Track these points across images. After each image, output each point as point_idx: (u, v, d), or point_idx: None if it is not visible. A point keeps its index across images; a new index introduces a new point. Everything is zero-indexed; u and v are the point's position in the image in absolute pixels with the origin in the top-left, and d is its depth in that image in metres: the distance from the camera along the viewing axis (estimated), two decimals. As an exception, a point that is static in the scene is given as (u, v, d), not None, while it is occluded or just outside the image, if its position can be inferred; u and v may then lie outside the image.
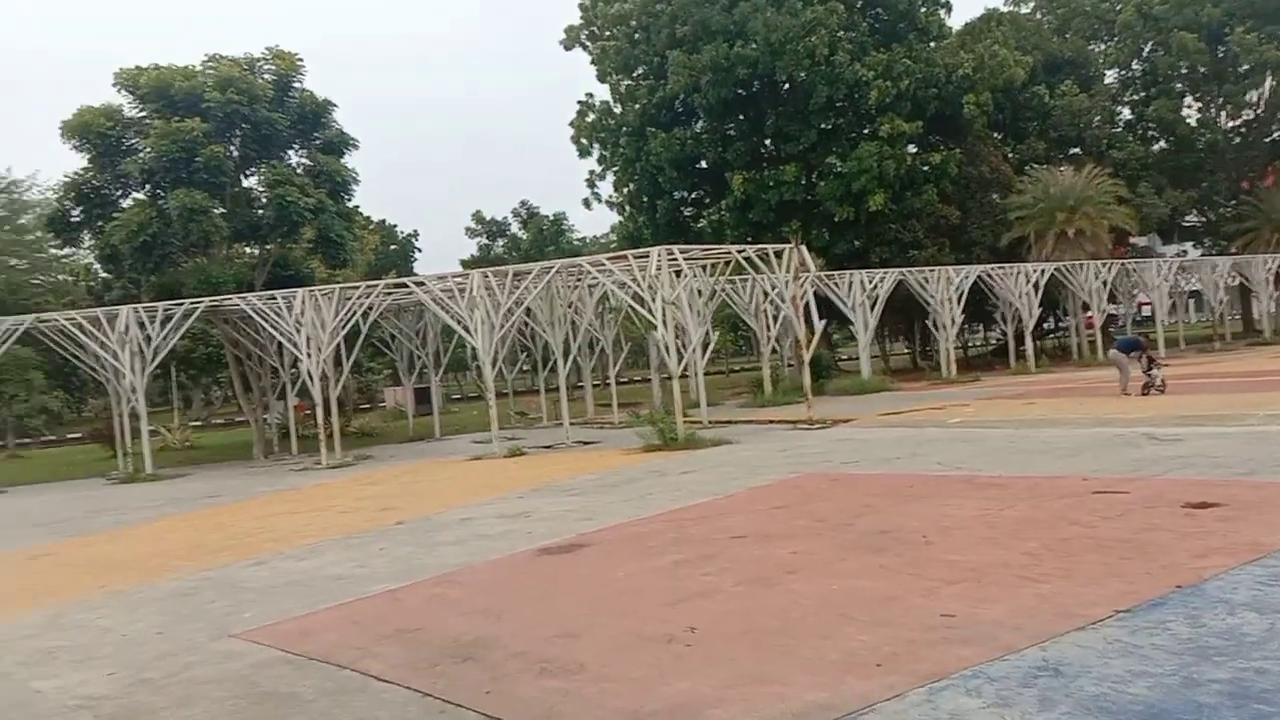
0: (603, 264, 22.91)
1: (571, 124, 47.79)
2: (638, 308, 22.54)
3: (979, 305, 41.94)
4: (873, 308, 34.98)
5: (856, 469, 15.06)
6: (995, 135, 46.68)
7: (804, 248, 23.92)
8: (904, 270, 37.04)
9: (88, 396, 68.89)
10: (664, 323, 21.13)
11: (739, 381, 50.11)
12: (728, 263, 26.10)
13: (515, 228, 55.07)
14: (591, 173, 48.49)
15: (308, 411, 34.05)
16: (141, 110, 28.46)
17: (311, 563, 11.10)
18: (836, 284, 34.17)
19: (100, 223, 28.47)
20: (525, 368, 42.32)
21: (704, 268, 26.88)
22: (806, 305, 24.12)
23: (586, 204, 48.69)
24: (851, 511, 11.19)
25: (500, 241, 54.65)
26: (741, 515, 11.53)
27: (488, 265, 38.61)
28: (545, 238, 52.25)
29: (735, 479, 14.81)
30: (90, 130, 27.54)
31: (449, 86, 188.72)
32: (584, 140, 47.74)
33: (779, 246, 23.81)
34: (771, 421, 25.30)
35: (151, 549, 13.57)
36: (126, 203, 28.79)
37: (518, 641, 7.07)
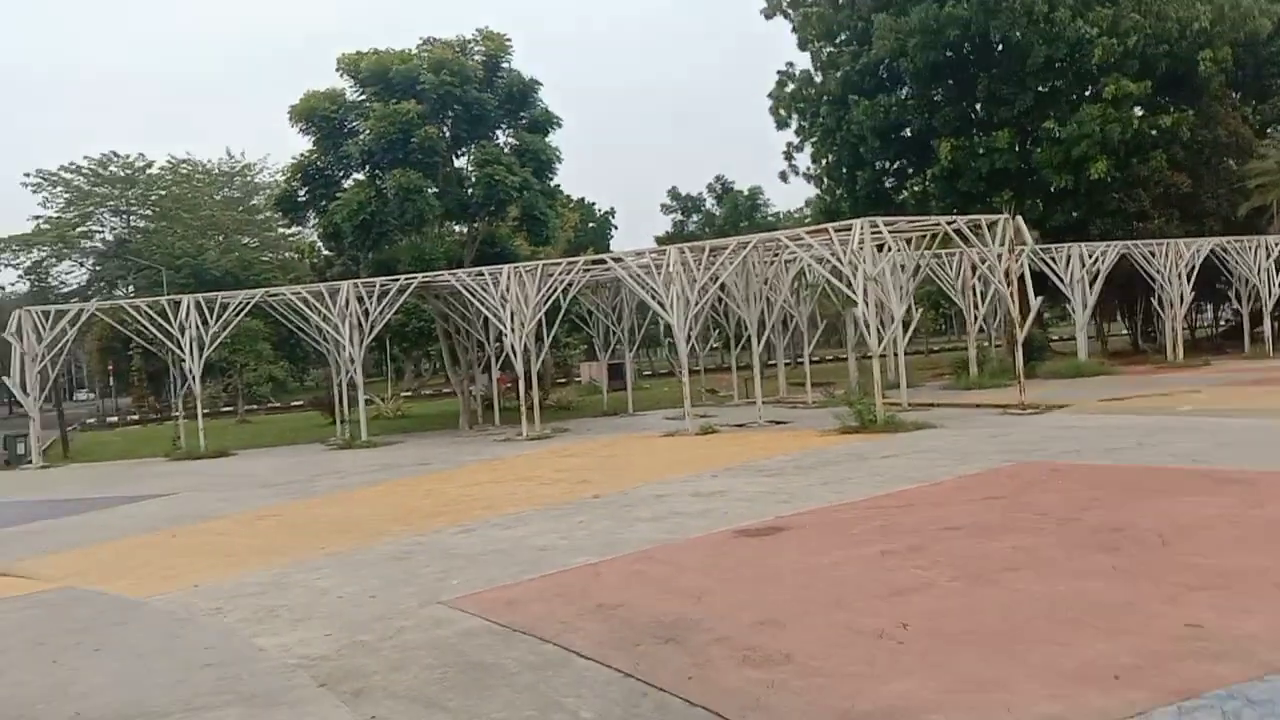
0: (801, 238, 22.38)
1: (770, 95, 47.13)
2: (837, 283, 21.90)
3: (1209, 282, 38.55)
4: (1092, 284, 32.73)
5: (1077, 459, 14.04)
6: (1234, 94, 42.55)
7: (1020, 218, 22.50)
8: (1128, 243, 34.44)
9: (309, 366, 74.16)
10: (865, 299, 20.42)
11: (939, 362, 48.24)
12: (934, 235, 24.97)
13: (710, 203, 54.98)
14: (789, 145, 47.73)
15: (509, 385, 35.26)
16: (361, 94, 29.97)
17: (516, 532, 11.33)
18: (1053, 258, 32.14)
19: (324, 202, 30.23)
20: (715, 345, 42.17)
21: (908, 241, 25.84)
22: (1022, 281, 22.71)
23: (783, 177, 47.94)
24: (1076, 506, 10.39)
25: (695, 217, 54.65)
26: (952, 505, 10.93)
27: (682, 241, 38.86)
28: (740, 213, 51.82)
29: (942, 466, 14.11)
30: (315, 114, 29.25)
31: (644, 64, 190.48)
32: (782, 111, 46.97)
33: (992, 217, 22.52)
34: (978, 405, 24.13)
35: (369, 512, 14.28)
36: (347, 183, 30.42)
37: (721, 625, 6.89)
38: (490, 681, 6.10)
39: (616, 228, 63.13)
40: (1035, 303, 23.79)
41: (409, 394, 55.54)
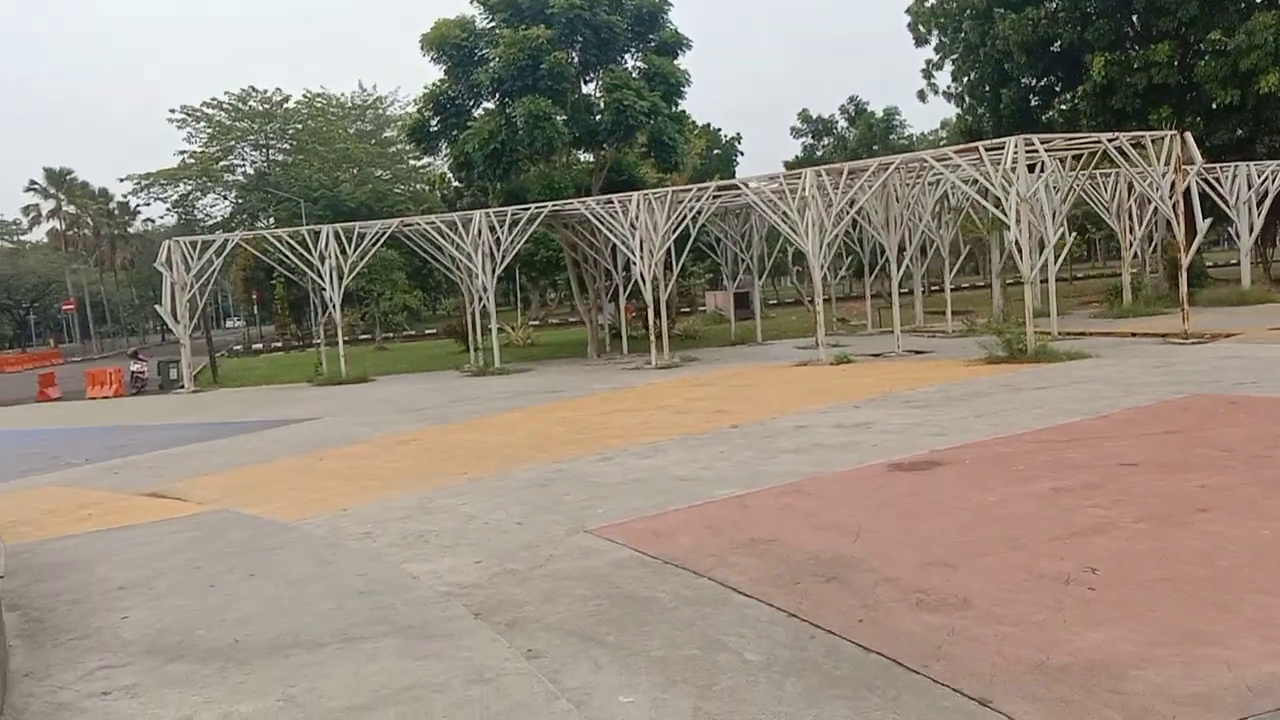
0: (949, 158, 21.19)
1: (909, 10, 44.91)
2: (989, 206, 20.72)
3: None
4: (1259, 206, 30.27)
5: (1256, 390, 12.92)
6: None
7: (1188, 135, 20.76)
8: (1302, 162, 31.67)
9: (440, 296, 75.83)
10: (1018, 223, 19.24)
11: (1083, 289, 45.84)
12: (1092, 154, 23.34)
13: (842, 126, 53.06)
14: (928, 62, 45.50)
15: (634, 313, 35.11)
16: (491, 20, 29.70)
17: (655, 461, 11.09)
18: (1217, 179, 29.80)
19: (455, 132, 30.27)
20: (844, 273, 40.97)
21: (1061, 161, 24.25)
22: (1188, 201, 21.05)
23: (921, 96, 45.89)
24: (1265, 441, 9.49)
25: (826, 140, 52.87)
26: (1124, 440, 10.14)
27: (813, 165, 37.51)
28: (874, 135, 49.84)
29: (1105, 398, 13.20)
30: (446, 42, 29.13)
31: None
32: (921, 27, 44.75)
33: (1157, 134, 20.87)
34: (1134, 334, 22.73)
35: (505, 439, 14.28)
36: (477, 112, 30.35)
37: (885, 565, 6.47)
38: (646, 617, 5.84)
39: (743, 154, 61.73)
40: (1203, 225, 22.08)
41: (536, 323, 56.19)
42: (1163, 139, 20.87)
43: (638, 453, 11.82)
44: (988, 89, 42.93)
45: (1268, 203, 30.46)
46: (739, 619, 5.70)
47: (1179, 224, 20.70)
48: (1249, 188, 30.18)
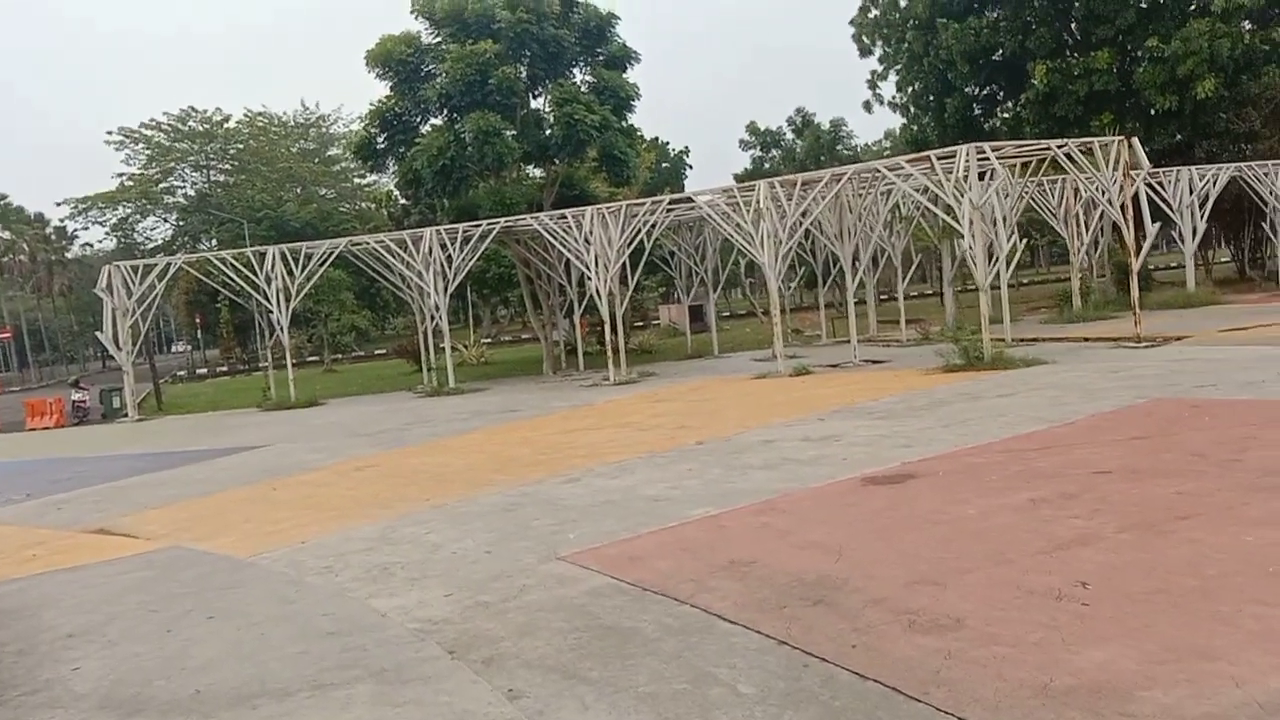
0: (901, 167, 21.27)
1: (852, 22, 45.41)
2: (941, 214, 20.85)
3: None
4: (1201, 209, 30.91)
5: (1216, 394, 13.02)
6: (1354, 2, 39.53)
7: (1135, 140, 21.07)
8: (1240, 165, 32.41)
9: (389, 315, 74.96)
10: (971, 230, 19.35)
11: (1030, 295, 46.47)
12: (1041, 161, 23.60)
13: (790, 138, 53.38)
14: (873, 73, 46.01)
15: (588, 329, 34.88)
16: (437, 36, 29.39)
17: (623, 481, 10.85)
18: (1160, 183, 30.36)
19: (403, 149, 29.87)
20: (796, 283, 41.12)
21: (1010, 169, 24.49)
22: (1137, 206, 21.35)
23: (867, 107, 46.31)
24: (1233, 445, 9.50)
25: (775, 153, 53.14)
26: (1094, 447, 10.11)
27: (761, 178, 37.61)
28: (822, 146, 50.20)
29: (1067, 404, 13.23)
30: (392, 58, 28.76)
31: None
32: (865, 38, 45.24)
33: (1105, 139, 21.15)
34: (1086, 339, 22.99)
35: (466, 461, 13.95)
36: (425, 129, 29.99)
37: (871, 585, 6.29)
38: (630, 649, 5.60)
39: (691, 167, 61.82)
40: (1152, 230, 22.42)
41: (489, 341, 55.70)
42: (1110, 144, 21.16)
43: (605, 473, 11.57)
44: (932, 99, 43.46)
45: (1208, 206, 31.10)
46: (727, 648, 5.48)
47: (1129, 228, 20.97)
48: (1190, 192, 30.80)
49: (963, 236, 29.67)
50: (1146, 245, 21.84)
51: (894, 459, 10.43)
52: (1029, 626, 5.38)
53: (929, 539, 7.25)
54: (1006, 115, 43.53)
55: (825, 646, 5.35)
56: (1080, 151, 21.39)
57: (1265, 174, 33.31)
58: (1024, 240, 42.34)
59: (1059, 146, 21.08)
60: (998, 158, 20.51)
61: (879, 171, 22.35)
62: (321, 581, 7.70)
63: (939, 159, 20.18)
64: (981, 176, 20.96)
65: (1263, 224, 36.83)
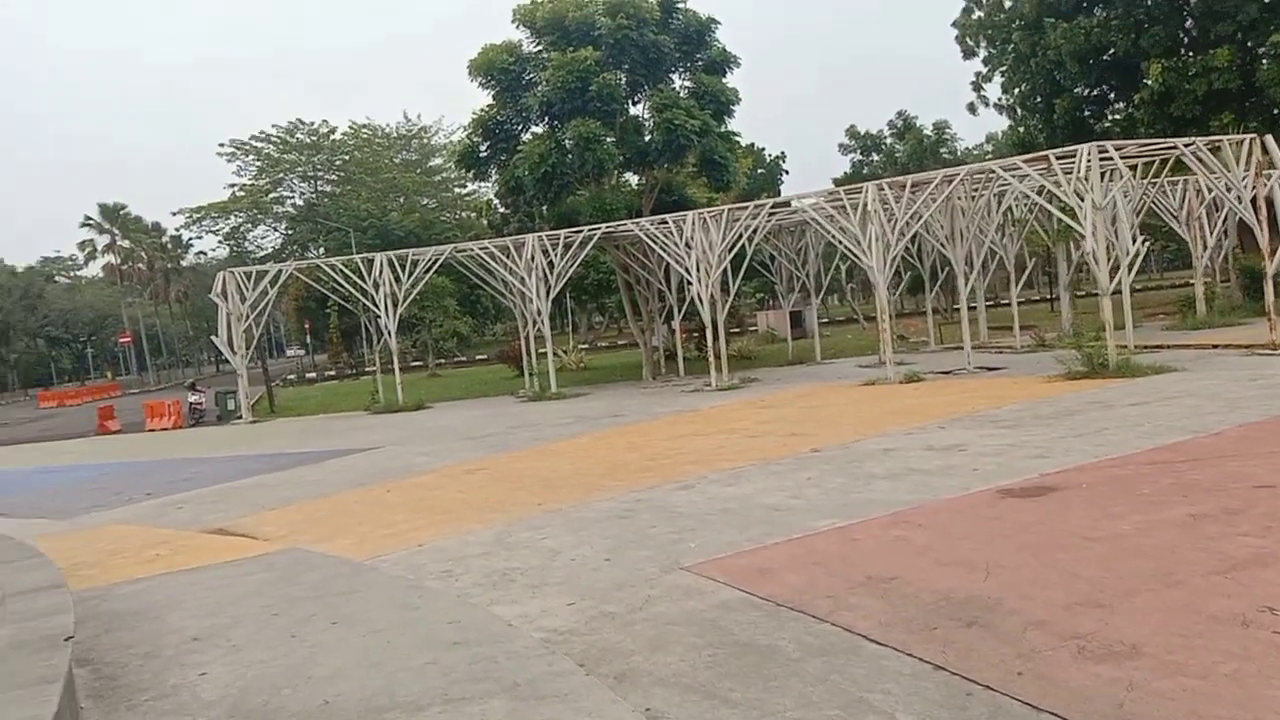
0: (1017, 167, 20.46)
1: (955, 23, 44.26)
2: (1062, 216, 19.99)
3: None
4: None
5: (1379, 404, 12.08)
6: None
7: (1270, 139, 19.87)
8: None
9: (488, 322, 75.94)
10: (1094, 233, 18.47)
11: (1147, 301, 44.53)
12: (1164, 162, 22.48)
13: (891, 142, 52.28)
14: (978, 75, 44.68)
15: (686, 335, 34.58)
16: (538, 44, 29.54)
17: (739, 489, 10.51)
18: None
19: (504, 156, 30.08)
20: (900, 289, 40.13)
21: (1132, 169, 23.39)
22: (1271, 207, 20.14)
23: (971, 109, 45.08)
24: None
25: (875, 157, 52.13)
26: (1249, 459, 9.39)
27: (861, 182, 36.73)
28: (925, 150, 49.04)
29: (1209, 414, 12.41)
30: (493, 67, 29.00)
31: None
32: (969, 40, 44.04)
33: (1236, 137, 20.00)
34: (1214, 346, 21.75)
35: (575, 466, 13.78)
36: (526, 136, 30.15)
37: (1029, 606, 5.84)
38: (772, 669, 5.27)
39: (787, 173, 61.09)
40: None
41: (585, 346, 55.87)
42: (1241, 143, 19.99)
43: (718, 480, 11.25)
44: (1039, 100, 42.03)
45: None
46: (878, 672, 5.11)
47: (1262, 231, 19.79)
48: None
49: (1080, 239, 28.66)
50: (1283, 247, 20.49)
51: (1030, 470, 9.86)
52: (1216, 656, 4.87)
53: (1085, 557, 6.74)
54: (1118, 116, 41.82)
55: (988, 673, 4.94)
56: (1210, 150, 20.27)
57: None
58: (1146, 243, 40.66)
59: (1186, 145, 20.00)
60: (1120, 157, 19.54)
61: (993, 172, 21.54)
62: (442, 587, 7.56)
63: (1058, 159, 19.35)
64: (1101, 177, 20.03)
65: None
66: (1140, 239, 21.09)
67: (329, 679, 5.34)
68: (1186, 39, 37.92)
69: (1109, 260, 20.19)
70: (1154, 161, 24.40)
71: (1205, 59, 35.05)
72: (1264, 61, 34.48)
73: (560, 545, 8.71)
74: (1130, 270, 21.62)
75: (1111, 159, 19.12)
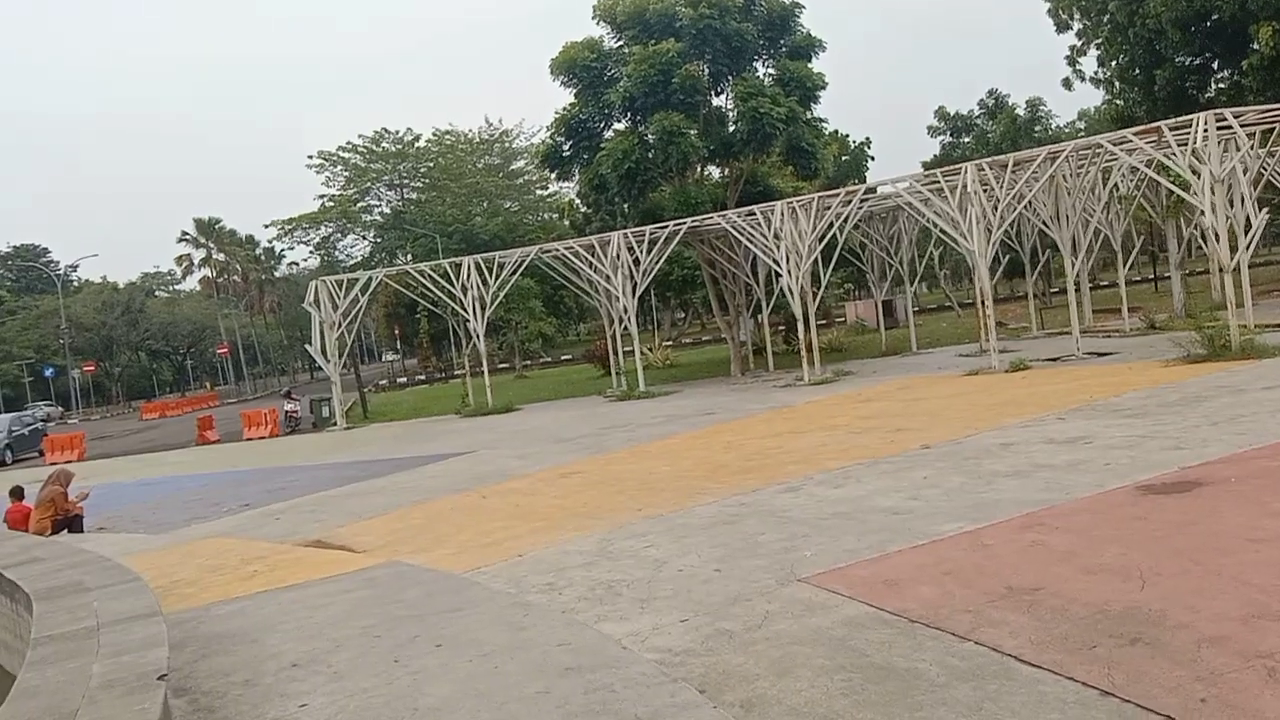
0: (1127, 139, 19.39)
1: (1046, -4, 42.49)
2: (1177, 190, 18.89)
3: None
4: None
5: None
6: None
7: None
8: None
9: (571, 322, 76.18)
10: (1213, 206, 17.36)
11: (1258, 278, 42.21)
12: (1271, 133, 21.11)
13: (983, 121, 50.57)
14: (1072, 48, 42.87)
15: (775, 328, 33.95)
16: (619, 39, 29.21)
17: (850, 490, 9.98)
18: None
19: (587, 155, 29.83)
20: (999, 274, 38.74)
21: (1249, 138, 22.00)
22: None
23: (1066, 84, 43.26)
24: None
25: (966, 138, 50.49)
26: None
27: (950, 165, 35.48)
28: (1018, 129, 47.30)
29: (1360, 397, 11.44)
30: (576, 65, 28.77)
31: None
32: (1062, 12, 42.28)
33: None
34: (1348, 325, 20.41)
35: (673, 468, 13.38)
36: (608, 134, 29.85)
37: (1198, 621, 5.23)
38: (916, 696, 4.77)
39: (873, 158, 59.47)
40: None
41: (669, 344, 55.57)
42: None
43: (825, 481, 10.73)
44: (1138, 72, 40.11)
45: None
46: (1037, 699, 4.58)
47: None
48: None
49: (1191, 215, 27.19)
50: None
51: (1168, 464, 9.12)
52: None
53: (1252, 562, 6.07)
54: (1223, 85, 39.73)
55: (1165, 700, 4.37)
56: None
57: None
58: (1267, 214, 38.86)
59: (1316, 107, 18.69)
60: (1242, 124, 18.36)
61: (1100, 146, 20.46)
62: (546, 601, 7.23)
63: (1171, 129, 18.26)
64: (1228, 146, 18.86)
65: None
66: (1263, 211, 19.83)
67: (435, 710, 5.01)
68: (1299, -3, 35.77)
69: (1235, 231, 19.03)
70: (1271, 129, 22.93)
71: (1321, 17, 33.01)
72: (1386, 19, 32.33)
73: (665, 554, 8.32)
74: (1249, 246, 20.37)
75: (1231, 127, 17.92)
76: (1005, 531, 7.56)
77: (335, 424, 31.60)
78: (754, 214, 24.71)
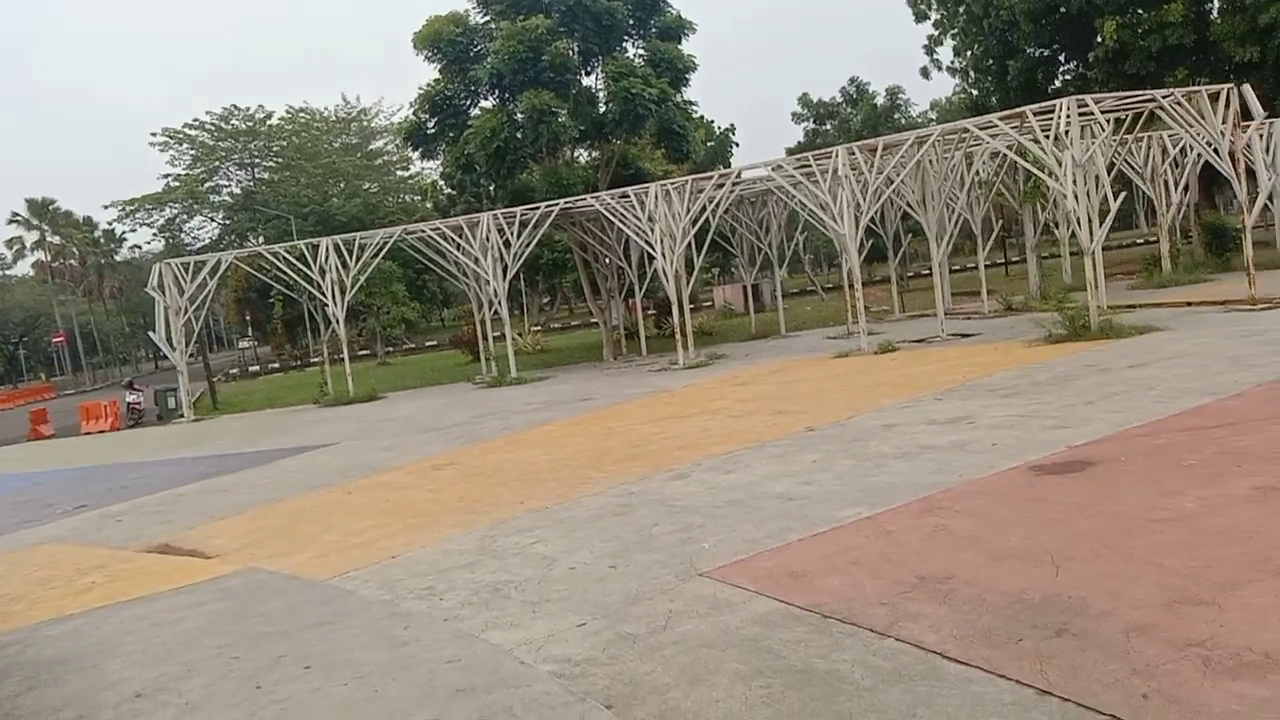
0: (993, 124, 19.79)
1: (906, -15, 43.51)
2: (1041, 175, 19.39)
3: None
4: (1300, 163, 28.97)
5: (1393, 357, 11.55)
6: None
7: (1248, 88, 19.41)
8: (1339, 115, 30.40)
9: (435, 306, 74.34)
10: (1074, 190, 17.86)
11: (1105, 261, 44.47)
12: (1137, 117, 21.98)
13: (845, 109, 51.58)
14: (930, 38, 44.10)
15: (646, 313, 33.72)
16: (486, 15, 28.25)
17: (740, 476, 9.65)
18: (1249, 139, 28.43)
19: (452, 133, 28.81)
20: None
21: (1101, 126, 22.86)
22: (1248, 160, 19.70)
23: (924, 73, 44.67)
24: None
25: (829, 125, 51.41)
26: (1290, 421, 8.74)
27: (813, 150, 36.01)
28: (879, 116, 48.42)
29: (1219, 374, 11.80)
30: (440, 39, 27.67)
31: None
32: (921, 3, 43.41)
33: (1213, 88, 19.47)
34: (1189, 304, 21.41)
35: (553, 457, 12.82)
36: (475, 111, 28.89)
37: (1121, 607, 5.04)
38: (843, 704, 4.40)
39: (737, 144, 59.99)
40: (1268, 184, 20.75)
41: (538, 328, 54.82)
42: (1217, 95, 19.48)
43: (715, 466, 10.39)
44: (992, 62, 41.61)
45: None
46: (973, 702, 4.26)
47: (1241, 183, 19.36)
48: (1287, 144, 28.86)
49: (1046, 200, 28.19)
50: (1261, 200, 20.17)
51: (1054, 443, 9.12)
52: (1376, 666, 4.11)
53: (1161, 543, 5.97)
54: (1069, 76, 41.56)
55: (1107, 698, 4.12)
56: (1186, 99, 19.74)
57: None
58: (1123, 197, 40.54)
59: (1164, 96, 19.46)
60: (1102, 110, 18.96)
61: (967, 131, 20.85)
62: (426, 609, 6.60)
63: (1035, 114, 18.72)
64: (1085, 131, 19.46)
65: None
66: (1121, 195, 20.60)
67: (307, 745, 4.37)
68: (1139, -6, 37.64)
69: (1092, 214, 19.67)
70: (1122, 118, 23.90)
71: (1159, 14, 34.75)
72: (1218, 15, 34.27)
73: (554, 550, 7.79)
74: (1103, 227, 21.15)
75: (1091, 113, 18.48)
76: (905, 516, 7.34)
77: (182, 416, 29.70)
78: (628, 196, 24.28)
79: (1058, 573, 5.69)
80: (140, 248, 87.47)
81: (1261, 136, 28.43)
